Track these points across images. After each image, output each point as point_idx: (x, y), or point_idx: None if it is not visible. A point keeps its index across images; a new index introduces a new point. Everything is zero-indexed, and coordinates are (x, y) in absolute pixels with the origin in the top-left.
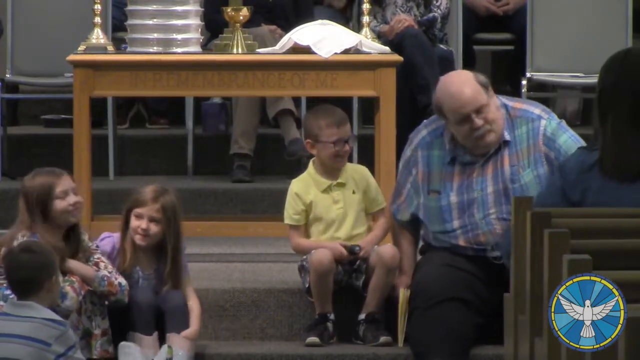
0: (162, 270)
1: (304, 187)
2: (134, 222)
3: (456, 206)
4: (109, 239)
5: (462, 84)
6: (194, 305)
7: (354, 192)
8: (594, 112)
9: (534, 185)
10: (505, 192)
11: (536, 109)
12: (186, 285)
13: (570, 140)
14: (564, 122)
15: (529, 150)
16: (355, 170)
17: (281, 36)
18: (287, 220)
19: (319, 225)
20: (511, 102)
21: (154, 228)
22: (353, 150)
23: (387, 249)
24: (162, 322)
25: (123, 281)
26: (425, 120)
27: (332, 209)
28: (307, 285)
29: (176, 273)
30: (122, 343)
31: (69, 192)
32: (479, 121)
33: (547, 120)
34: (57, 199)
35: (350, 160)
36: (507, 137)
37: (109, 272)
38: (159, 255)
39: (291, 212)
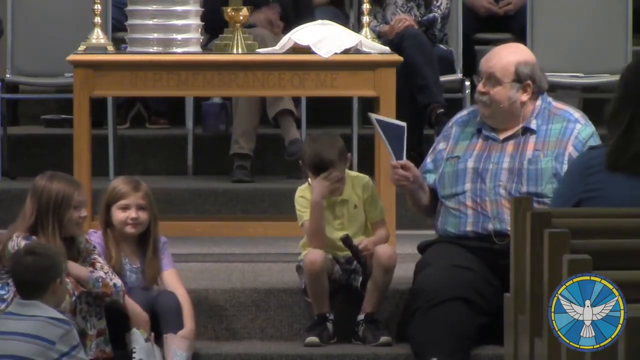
0: (144, 261)
1: (309, 196)
2: (120, 215)
3: (471, 171)
4: (96, 235)
5: (505, 51)
6: (184, 300)
7: (355, 207)
8: (612, 110)
9: (548, 174)
10: (520, 172)
11: (576, 113)
12: (173, 277)
13: None
14: (596, 134)
15: (556, 144)
16: (357, 182)
17: (279, 28)
18: (305, 218)
19: None
20: (555, 103)
21: (142, 215)
22: (353, 151)
23: (385, 250)
24: (156, 323)
25: (118, 282)
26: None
27: (333, 224)
28: (303, 286)
29: (157, 259)
30: (134, 329)
31: (82, 205)
32: (481, 87)
33: (583, 126)
34: (73, 209)
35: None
36: (533, 126)
37: (105, 273)
38: (141, 246)
39: (305, 210)
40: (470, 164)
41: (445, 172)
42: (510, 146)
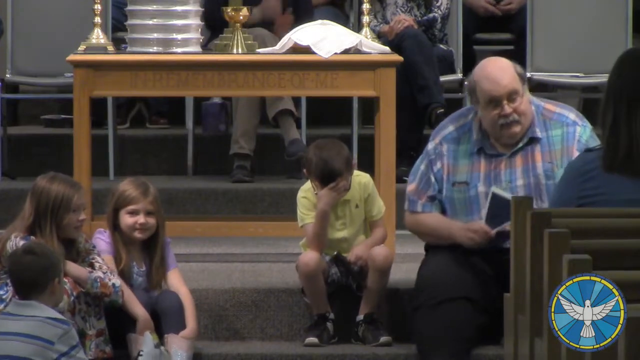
0: (149, 265)
1: (312, 196)
2: (128, 220)
3: (484, 196)
4: (105, 235)
5: (501, 69)
6: (186, 300)
7: (357, 206)
8: (600, 110)
9: None
10: (538, 187)
11: (571, 114)
12: (176, 276)
13: None
14: (593, 131)
15: (562, 152)
16: (359, 181)
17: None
18: (306, 220)
19: None
20: (543, 103)
21: (151, 220)
22: (353, 151)
23: (380, 251)
24: (158, 323)
25: (117, 282)
26: (451, 116)
27: (335, 224)
28: (302, 286)
29: (164, 264)
30: (147, 333)
31: (81, 208)
32: (508, 108)
33: (582, 127)
34: (72, 212)
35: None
36: (539, 134)
37: (103, 273)
38: (147, 249)
39: (306, 211)
40: (481, 188)
41: (455, 199)
42: (518, 160)
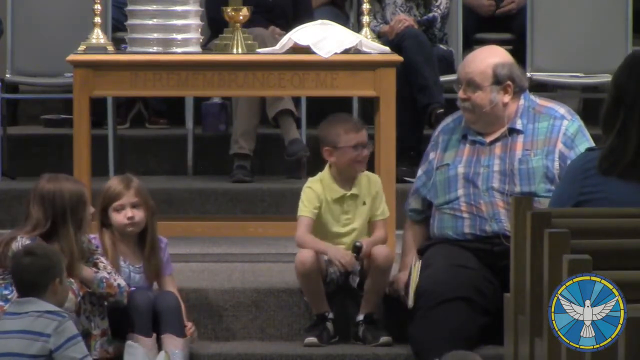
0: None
1: (320, 188)
2: (117, 217)
3: (462, 176)
4: (94, 238)
5: (481, 56)
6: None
7: (364, 204)
8: (604, 112)
9: (540, 173)
10: (512, 172)
11: (561, 109)
12: (170, 279)
13: (587, 144)
14: (584, 127)
15: (545, 142)
16: (369, 179)
17: (281, 36)
18: (302, 212)
19: (323, 229)
20: (539, 100)
21: (138, 213)
22: None
23: (381, 250)
24: (156, 323)
25: (122, 282)
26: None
27: (340, 219)
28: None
29: (156, 256)
30: (129, 342)
31: (89, 202)
32: (462, 93)
33: (569, 122)
34: (88, 206)
35: None
36: (518, 126)
37: (108, 273)
38: (141, 246)
39: (307, 203)
40: (460, 169)
41: (436, 181)
42: (498, 148)
